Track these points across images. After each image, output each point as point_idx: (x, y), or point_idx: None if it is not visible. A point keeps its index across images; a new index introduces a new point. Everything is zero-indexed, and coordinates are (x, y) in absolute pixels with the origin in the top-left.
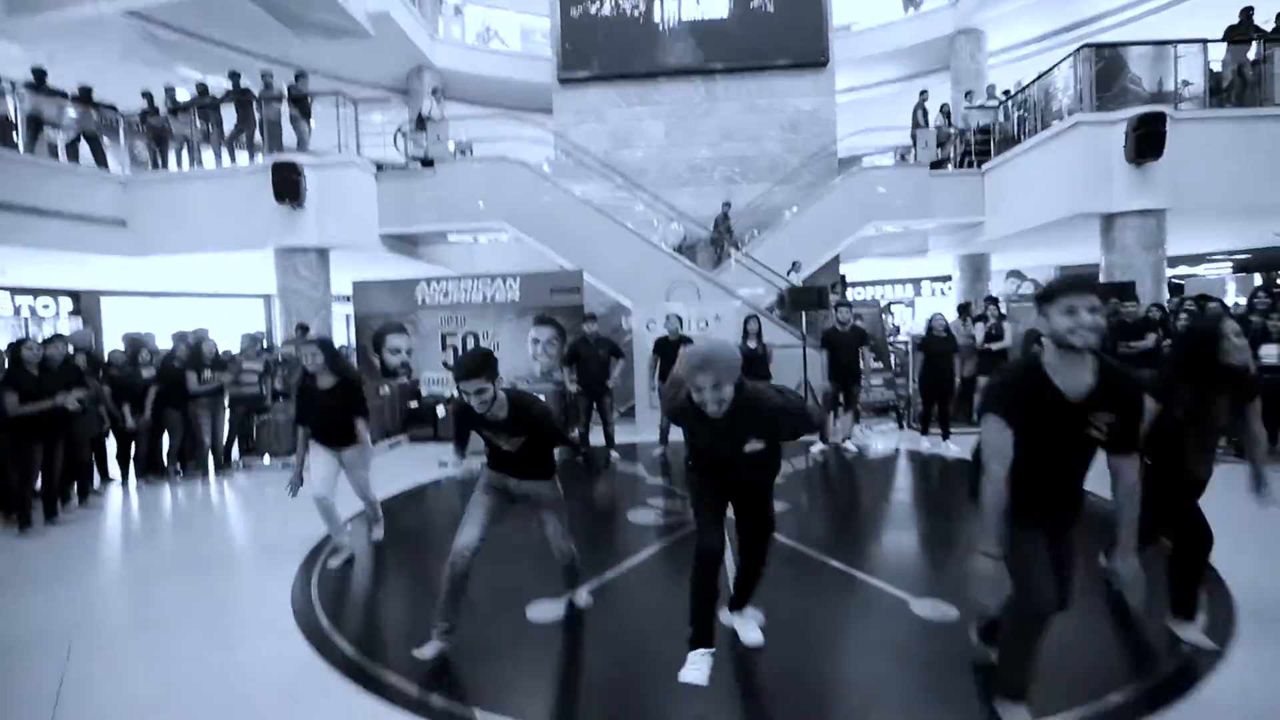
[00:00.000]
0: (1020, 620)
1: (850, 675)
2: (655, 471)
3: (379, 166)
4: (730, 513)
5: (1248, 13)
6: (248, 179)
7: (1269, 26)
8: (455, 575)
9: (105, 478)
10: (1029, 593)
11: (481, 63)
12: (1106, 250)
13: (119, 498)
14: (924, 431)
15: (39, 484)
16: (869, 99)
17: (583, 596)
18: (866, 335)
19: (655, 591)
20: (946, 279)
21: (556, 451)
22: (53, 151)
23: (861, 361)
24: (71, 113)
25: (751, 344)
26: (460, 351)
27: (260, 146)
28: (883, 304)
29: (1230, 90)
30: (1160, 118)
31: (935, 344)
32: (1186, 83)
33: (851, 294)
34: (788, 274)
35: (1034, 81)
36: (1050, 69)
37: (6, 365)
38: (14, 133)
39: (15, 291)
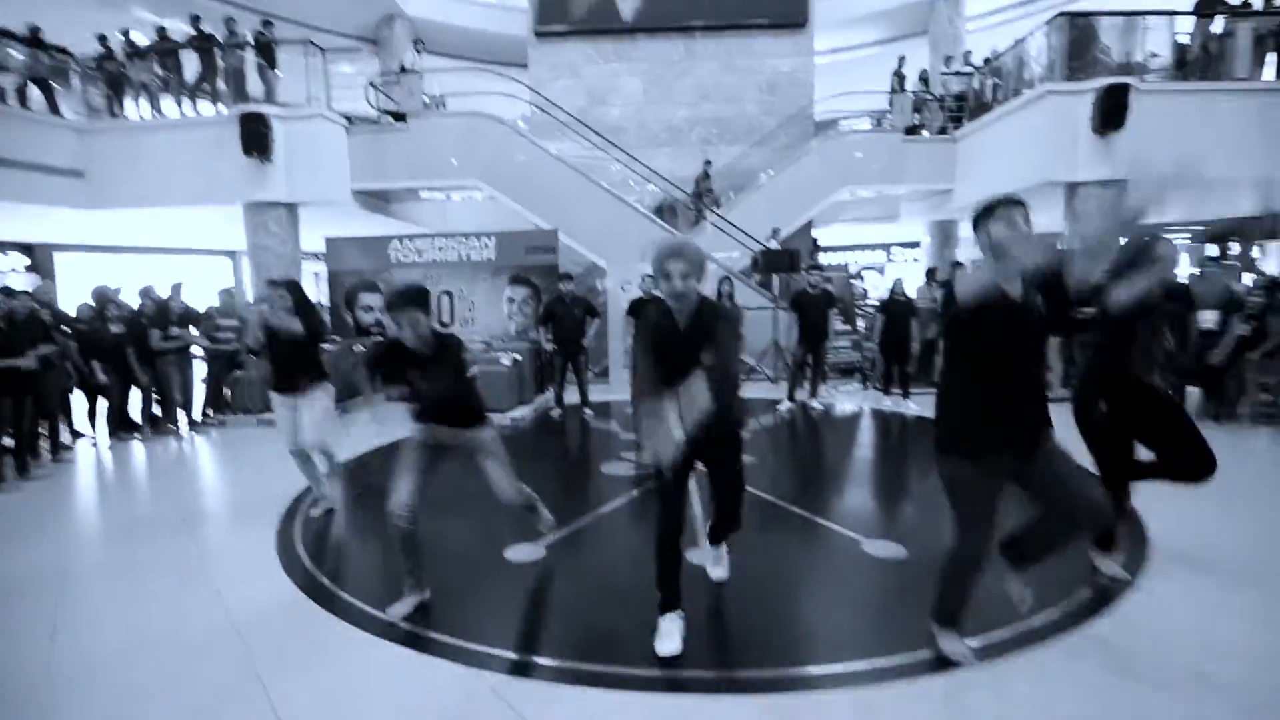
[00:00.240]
0: (957, 562)
1: (806, 606)
2: (628, 428)
3: (349, 120)
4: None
5: None
6: (213, 130)
7: (1236, 1)
8: (401, 534)
9: (74, 434)
10: (971, 540)
11: (455, 13)
12: (1069, 218)
13: (90, 454)
14: (886, 391)
15: (9, 439)
16: (847, 62)
17: (545, 518)
18: (834, 298)
19: (626, 535)
20: (916, 244)
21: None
22: (0, 96)
23: (829, 324)
24: (19, 55)
25: (726, 305)
26: (435, 310)
27: (224, 96)
28: (854, 269)
29: (1195, 64)
30: (1125, 89)
31: (895, 306)
32: (1154, 54)
33: (824, 259)
34: (768, 239)
35: (1010, 49)
36: (1025, 37)
37: None
38: None
39: None
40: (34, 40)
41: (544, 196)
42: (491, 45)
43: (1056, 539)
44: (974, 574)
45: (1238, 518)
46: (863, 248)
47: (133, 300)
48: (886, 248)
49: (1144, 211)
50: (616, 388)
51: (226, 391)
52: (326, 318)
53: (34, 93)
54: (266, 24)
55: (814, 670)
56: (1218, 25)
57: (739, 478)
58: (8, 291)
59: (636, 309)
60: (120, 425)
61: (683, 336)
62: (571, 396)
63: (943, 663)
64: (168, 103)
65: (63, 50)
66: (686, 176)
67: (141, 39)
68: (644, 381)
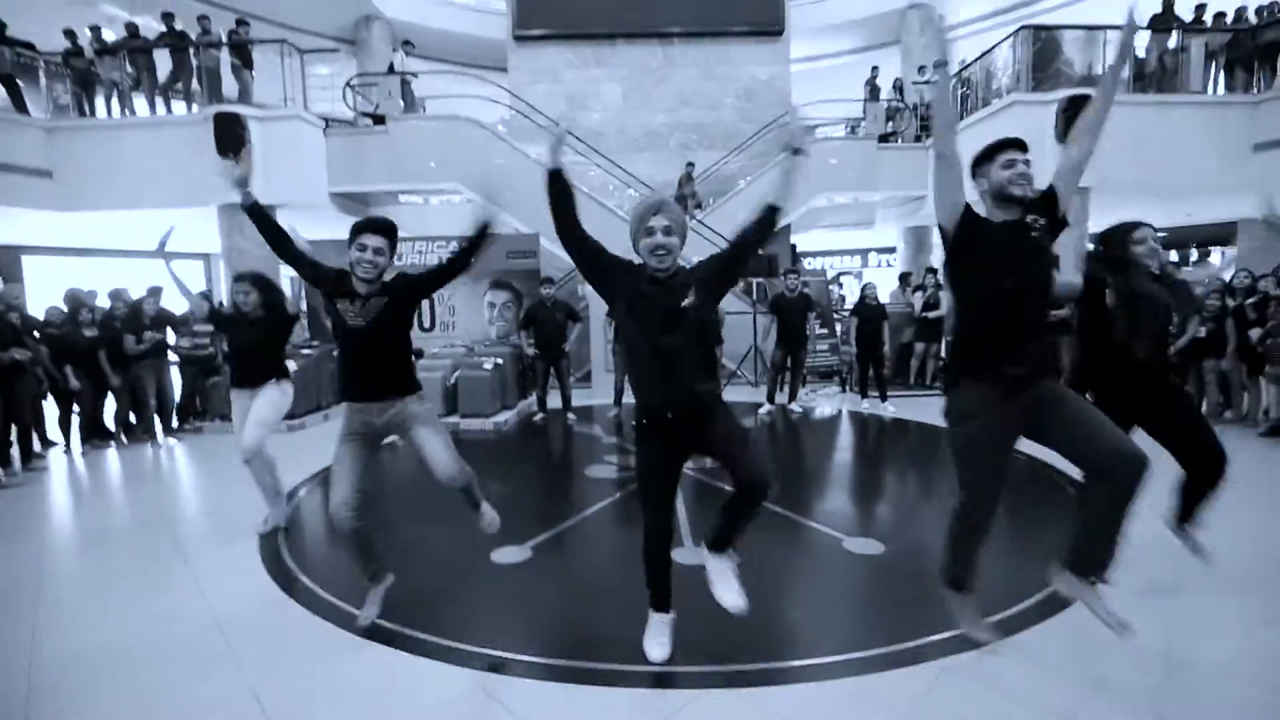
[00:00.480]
0: (960, 524)
1: (791, 601)
2: (611, 431)
3: (327, 122)
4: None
5: (1169, 2)
6: (186, 130)
7: (1189, 17)
8: (347, 535)
9: (45, 441)
10: (973, 502)
11: (434, 15)
12: None
13: (63, 462)
14: (863, 395)
15: None
16: (823, 69)
17: (488, 519)
18: (813, 302)
19: (610, 537)
20: (892, 250)
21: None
22: None
23: (808, 328)
24: None
25: None
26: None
27: (198, 96)
28: (832, 274)
29: (1152, 77)
30: (1087, 99)
31: (867, 311)
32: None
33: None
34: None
35: (977, 59)
36: (992, 48)
37: None
38: None
39: None
40: None
41: (524, 200)
42: (471, 48)
43: (1110, 514)
44: (975, 537)
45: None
46: (840, 253)
47: (104, 304)
48: (863, 253)
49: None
50: (599, 391)
51: (196, 399)
52: (303, 320)
53: None
54: (241, 23)
55: (800, 663)
56: (1172, 40)
57: (744, 432)
58: None
59: None
60: (94, 432)
61: (665, 291)
62: (554, 401)
63: (926, 653)
64: (139, 102)
65: (29, 46)
66: (666, 181)
67: (111, 35)
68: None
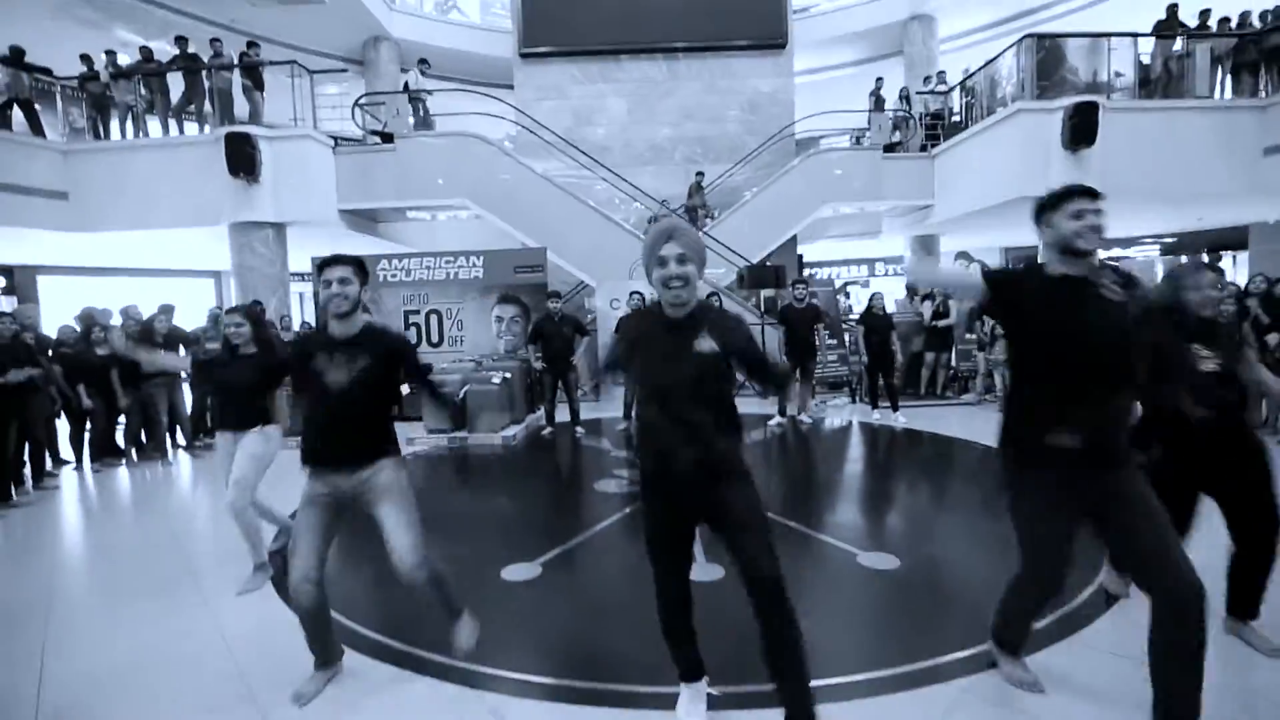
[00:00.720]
0: (1017, 590)
1: (803, 619)
2: (620, 445)
3: (336, 140)
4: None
5: (1173, 9)
6: (198, 151)
7: (1194, 23)
8: (304, 611)
9: (58, 460)
10: (1034, 565)
11: (440, 34)
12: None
13: (74, 480)
14: (874, 405)
15: None
16: (826, 81)
17: (464, 633)
18: (821, 312)
19: (621, 553)
20: (899, 259)
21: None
22: None
23: (816, 338)
24: (1, 76)
25: None
26: (423, 330)
27: (210, 117)
28: (839, 284)
29: (1157, 83)
30: (1093, 107)
31: (874, 321)
32: (1119, 74)
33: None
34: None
35: (981, 68)
36: (996, 56)
37: None
38: None
39: None
40: (16, 61)
41: (531, 215)
42: (478, 66)
43: (1183, 661)
44: (1032, 606)
45: None
46: (847, 263)
47: (116, 322)
48: (870, 263)
49: None
50: (607, 405)
51: (208, 416)
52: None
53: (16, 114)
54: (252, 45)
55: (816, 684)
56: (1177, 46)
57: (762, 518)
58: None
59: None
60: (106, 450)
61: (676, 334)
62: (562, 415)
63: (945, 673)
64: (153, 124)
65: (46, 71)
66: (671, 195)
67: (126, 59)
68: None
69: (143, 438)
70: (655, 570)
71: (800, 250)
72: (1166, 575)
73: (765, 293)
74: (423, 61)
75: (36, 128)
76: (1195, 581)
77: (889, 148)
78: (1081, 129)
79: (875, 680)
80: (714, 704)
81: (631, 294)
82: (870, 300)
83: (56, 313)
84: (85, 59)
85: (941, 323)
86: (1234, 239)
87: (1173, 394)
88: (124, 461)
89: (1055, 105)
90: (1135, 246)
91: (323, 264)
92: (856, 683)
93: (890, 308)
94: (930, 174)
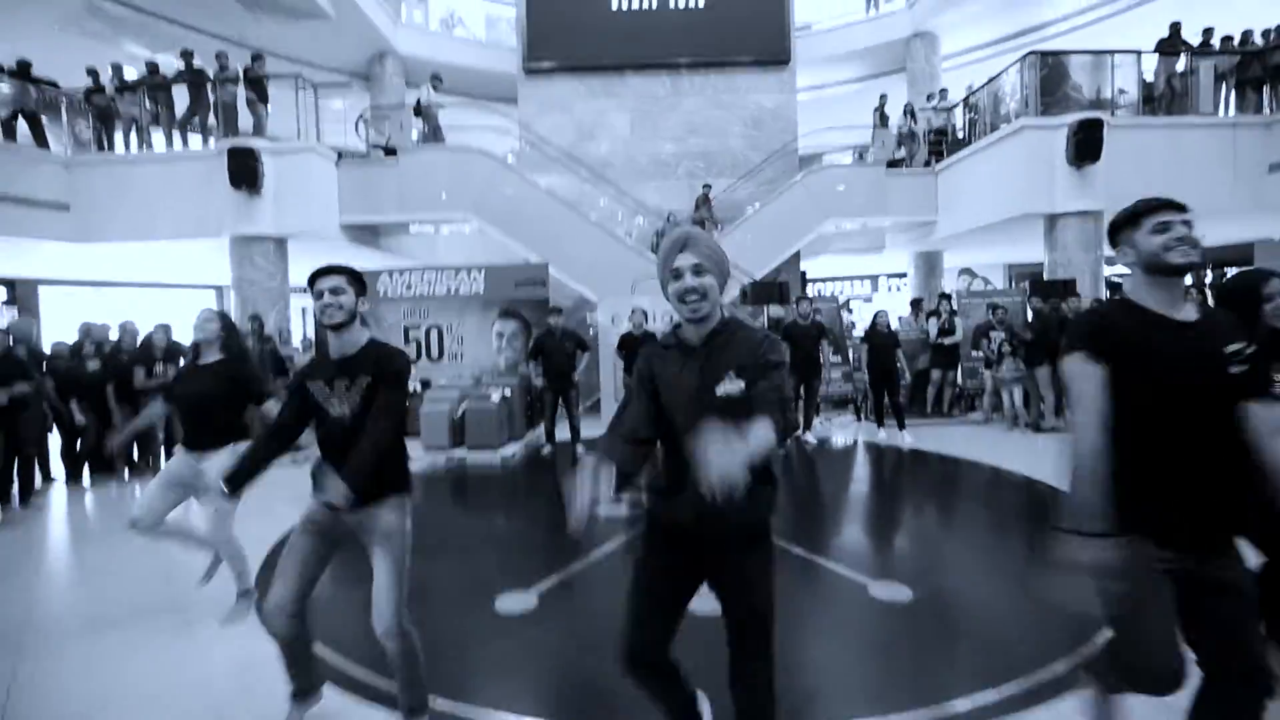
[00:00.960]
0: (1118, 674)
1: (811, 655)
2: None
3: (339, 154)
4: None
5: (1176, 27)
6: (201, 163)
7: (1196, 41)
8: (280, 639)
9: (47, 476)
10: (1137, 655)
11: (445, 50)
12: (1049, 249)
13: (64, 497)
14: (879, 423)
15: None
16: (829, 98)
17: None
18: (826, 329)
19: (623, 583)
20: (902, 275)
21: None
22: None
23: (821, 355)
24: (7, 88)
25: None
26: (424, 345)
27: (214, 130)
28: (842, 299)
29: (1161, 100)
30: (1098, 123)
31: (878, 339)
32: (1122, 91)
33: (813, 290)
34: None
35: (985, 85)
36: (1000, 73)
37: None
38: None
39: None
40: (23, 74)
41: (533, 230)
42: (482, 82)
43: None
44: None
45: None
46: (850, 278)
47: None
48: (873, 279)
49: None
50: (608, 422)
51: None
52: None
53: (21, 125)
54: (257, 58)
55: None
56: (1181, 64)
57: (763, 621)
58: None
59: (626, 344)
60: (97, 467)
61: (697, 372)
62: (563, 433)
63: (964, 715)
64: (156, 136)
65: (52, 84)
66: (674, 209)
67: (133, 73)
68: (615, 436)
69: (134, 454)
70: (628, 605)
71: (804, 266)
72: (1248, 661)
73: (774, 311)
74: (435, 77)
75: (40, 139)
76: (1271, 671)
77: (892, 163)
78: (1087, 145)
79: None
80: None
81: (633, 310)
82: (875, 318)
83: (58, 325)
84: (91, 72)
85: (947, 340)
86: (1238, 256)
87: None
88: (116, 479)
89: (1059, 122)
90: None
91: (314, 275)
92: None
93: (894, 324)
94: (934, 190)
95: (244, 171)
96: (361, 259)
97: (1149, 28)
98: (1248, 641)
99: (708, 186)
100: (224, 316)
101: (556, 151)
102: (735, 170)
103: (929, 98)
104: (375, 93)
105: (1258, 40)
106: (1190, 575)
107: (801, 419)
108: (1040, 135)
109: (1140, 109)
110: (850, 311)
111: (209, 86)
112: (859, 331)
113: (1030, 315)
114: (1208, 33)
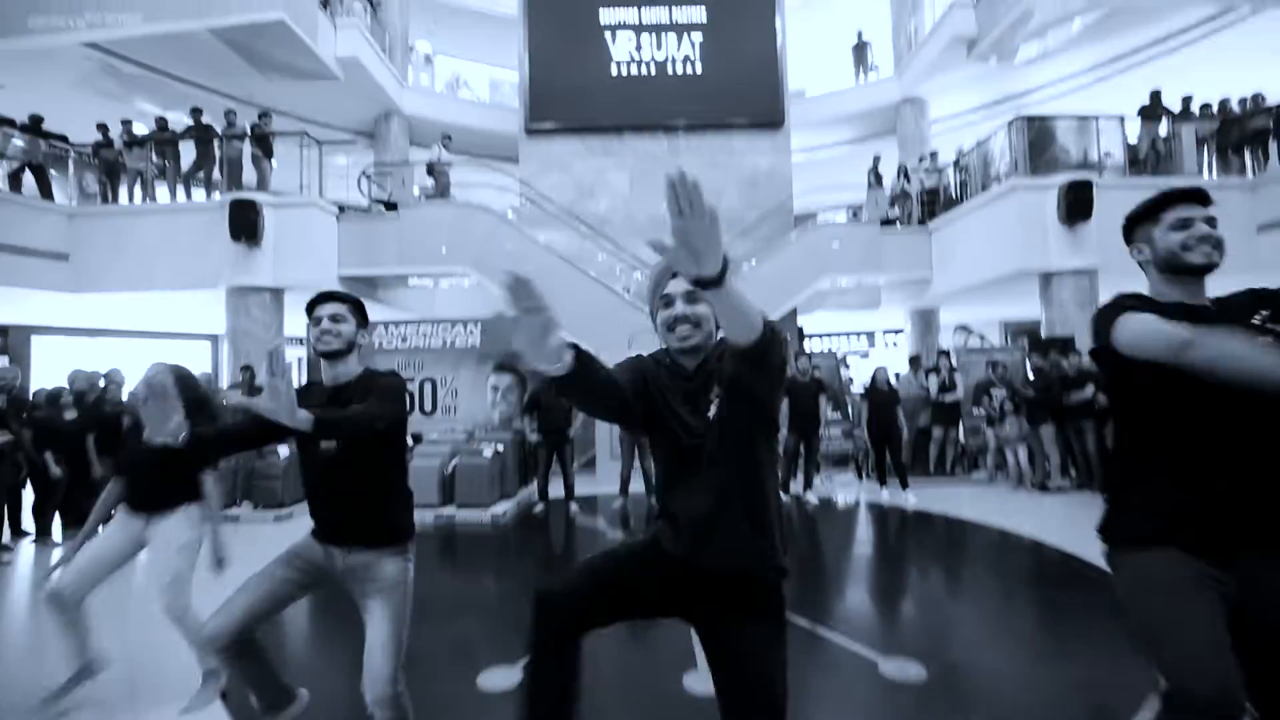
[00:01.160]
0: (1175, 713)
1: None
2: (615, 524)
3: (341, 208)
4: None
5: (1157, 95)
6: (201, 216)
7: (1177, 108)
8: (232, 667)
9: (17, 531)
10: (1183, 669)
11: (449, 111)
12: (1045, 306)
13: (31, 555)
14: (882, 482)
15: None
16: (823, 159)
17: None
18: (825, 385)
19: (621, 657)
20: (899, 331)
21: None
22: None
23: (821, 411)
24: (19, 142)
25: None
26: (417, 398)
27: (219, 184)
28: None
29: (1146, 162)
30: (1088, 184)
31: (879, 396)
32: (1108, 154)
33: (809, 345)
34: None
35: (975, 148)
36: (989, 136)
37: None
38: None
39: None
40: (34, 129)
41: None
42: (484, 141)
43: None
44: None
45: None
46: (847, 334)
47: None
48: (870, 334)
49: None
50: (604, 480)
51: None
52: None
53: (27, 177)
54: (264, 115)
55: None
56: (1163, 128)
57: (772, 704)
58: None
59: None
60: (74, 521)
61: (695, 395)
62: (555, 488)
63: None
64: (161, 189)
65: (62, 138)
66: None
67: (142, 129)
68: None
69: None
70: (578, 570)
71: (800, 322)
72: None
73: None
74: (446, 137)
75: (46, 191)
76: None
77: (886, 222)
78: (1078, 205)
79: None
80: None
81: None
82: (874, 375)
83: (49, 373)
84: (101, 127)
85: (948, 397)
86: None
87: None
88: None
89: (1050, 182)
90: None
91: (313, 302)
92: None
93: (893, 381)
94: (928, 247)
95: (243, 223)
96: None
97: (1127, 95)
98: None
99: None
100: (177, 370)
101: (556, 208)
102: (731, 228)
103: (920, 159)
104: (380, 150)
105: (1235, 107)
106: (1236, 587)
107: (802, 477)
108: (1031, 195)
109: (1126, 170)
110: (848, 367)
111: (215, 142)
112: (858, 388)
113: (1031, 373)
114: (1187, 101)
